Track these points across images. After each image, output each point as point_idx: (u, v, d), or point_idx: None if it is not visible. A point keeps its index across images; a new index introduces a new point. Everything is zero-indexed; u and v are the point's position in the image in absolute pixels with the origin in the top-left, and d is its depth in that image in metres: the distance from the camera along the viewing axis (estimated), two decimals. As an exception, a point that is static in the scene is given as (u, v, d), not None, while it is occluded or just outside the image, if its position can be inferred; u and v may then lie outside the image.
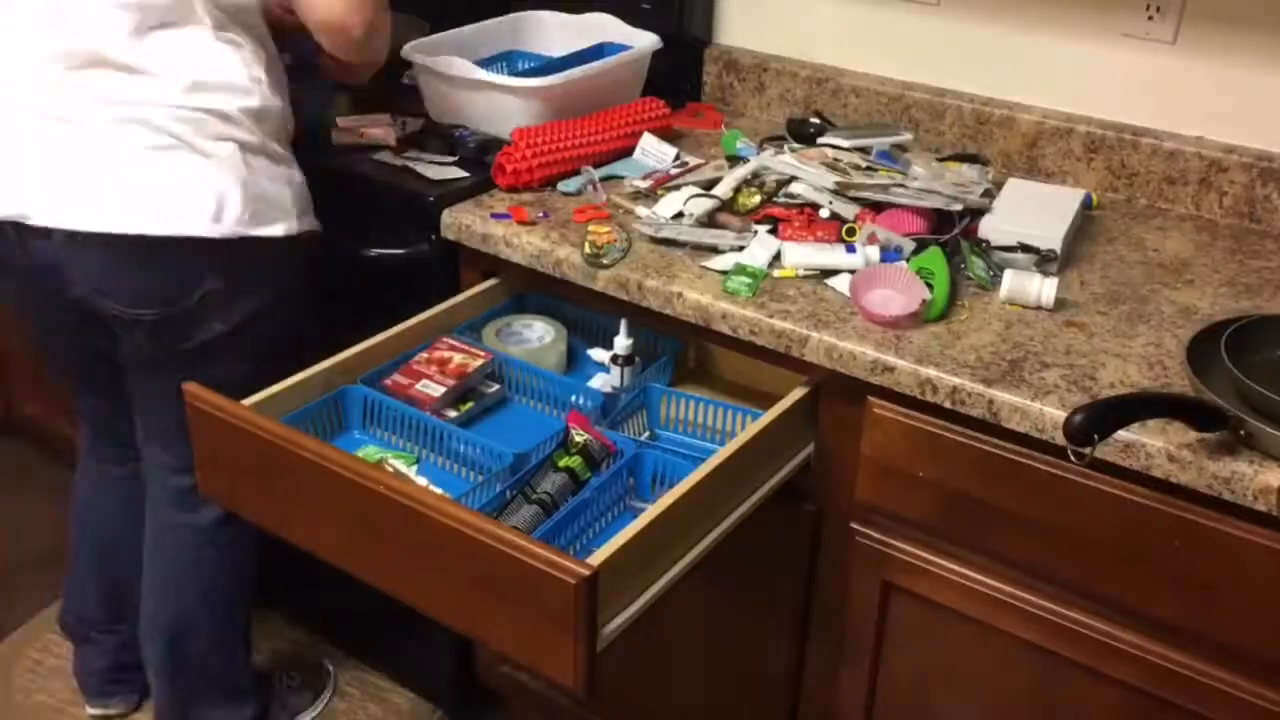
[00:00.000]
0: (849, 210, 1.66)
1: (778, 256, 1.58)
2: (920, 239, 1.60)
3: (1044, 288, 1.49)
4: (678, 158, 1.89)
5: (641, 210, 1.72)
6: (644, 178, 1.82)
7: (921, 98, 1.98)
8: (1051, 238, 1.59)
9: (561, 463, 1.39)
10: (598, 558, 1.18)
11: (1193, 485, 1.23)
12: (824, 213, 1.66)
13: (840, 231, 1.62)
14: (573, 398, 1.58)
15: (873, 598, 1.55)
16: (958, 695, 1.54)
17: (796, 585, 1.62)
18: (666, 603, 1.30)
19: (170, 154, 1.53)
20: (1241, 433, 1.21)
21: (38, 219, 1.54)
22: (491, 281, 1.75)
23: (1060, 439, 1.23)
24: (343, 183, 1.72)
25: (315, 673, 2.21)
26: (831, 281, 1.55)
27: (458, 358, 1.59)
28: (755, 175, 1.74)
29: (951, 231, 1.61)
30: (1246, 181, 1.75)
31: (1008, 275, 1.51)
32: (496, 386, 1.61)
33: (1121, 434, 1.25)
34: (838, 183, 1.67)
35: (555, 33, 2.14)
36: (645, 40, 2.00)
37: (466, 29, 2.08)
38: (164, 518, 1.84)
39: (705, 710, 1.82)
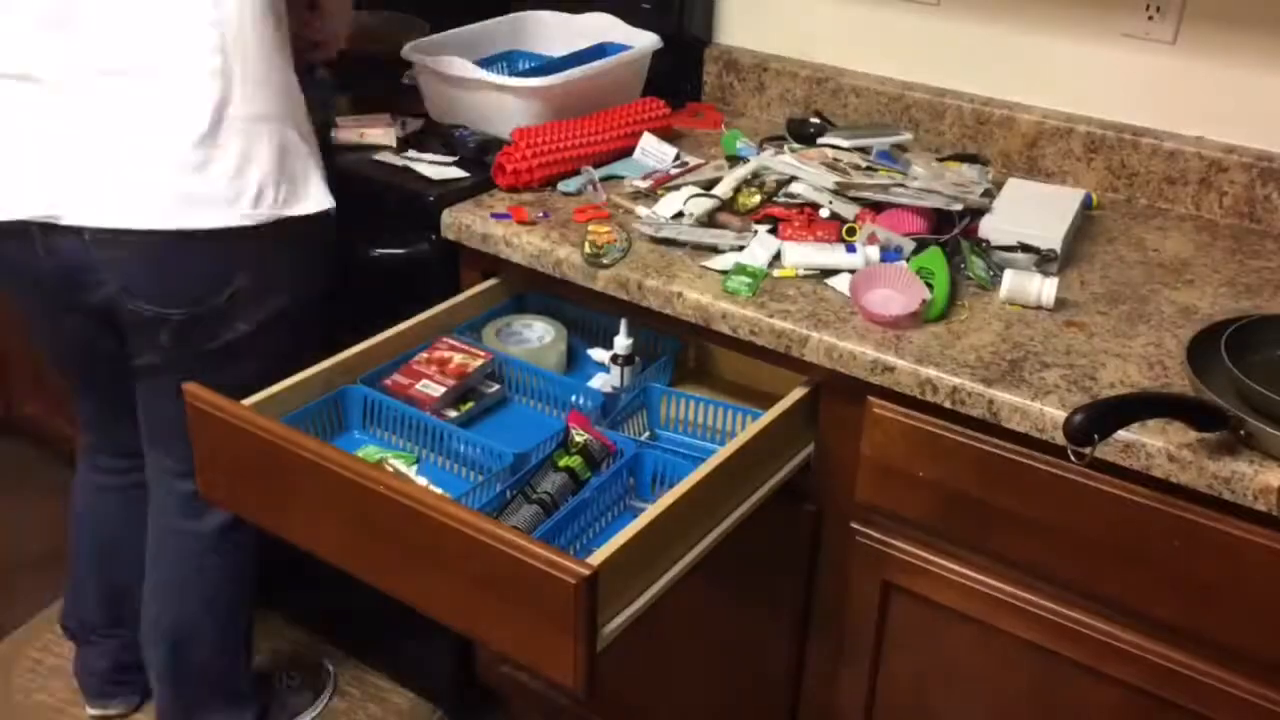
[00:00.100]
0: (849, 210, 1.66)
1: (778, 256, 1.58)
2: (920, 239, 1.60)
3: (1044, 288, 1.49)
4: (678, 158, 1.89)
5: (641, 210, 1.72)
6: (644, 178, 1.82)
7: (921, 98, 1.98)
8: (1051, 238, 1.59)
9: (561, 463, 1.39)
10: (598, 558, 1.18)
11: (1193, 485, 1.23)
12: (824, 213, 1.66)
13: (840, 231, 1.62)
14: (573, 398, 1.58)
15: (873, 598, 1.55)
16: (958, 695, 1.54)
17: (796, 585, 1.62)
18: (666, 603, 1.30)
19: (203, 147, 1.53)
20: (1241, 433, 1.21)
21: (69, 218, 1.54)
22: (491, 281, 1.75)
23: (1060, 439, 1.23)
24: (343, 183, 1.72)
25: (315, 673, 2.21)
26: (831, 281, 1.55)
27: (458, 358, 1.59)
28: (755, 175, 1.74)
29: (951, 231, 1.61)
30: (1246, 181, 1.75)
31: (1008, 275, 1.51)
32: (496, 386, 1.61)
33: (1121, 434, 1.25)
34: (838, 183, 1.67)
35: (556, 33, 2.14)
36: (645, 40, 2.00)
37: (467, 29, 2.08)
38: (167, 523, 1.84)
39: (705, 710, 1.82)
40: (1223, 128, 1.77)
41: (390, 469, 1.45)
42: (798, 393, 1.48)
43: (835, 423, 1.50)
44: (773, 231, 1.64)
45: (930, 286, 1.47)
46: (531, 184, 1.79)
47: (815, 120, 1.98)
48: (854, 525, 1.53)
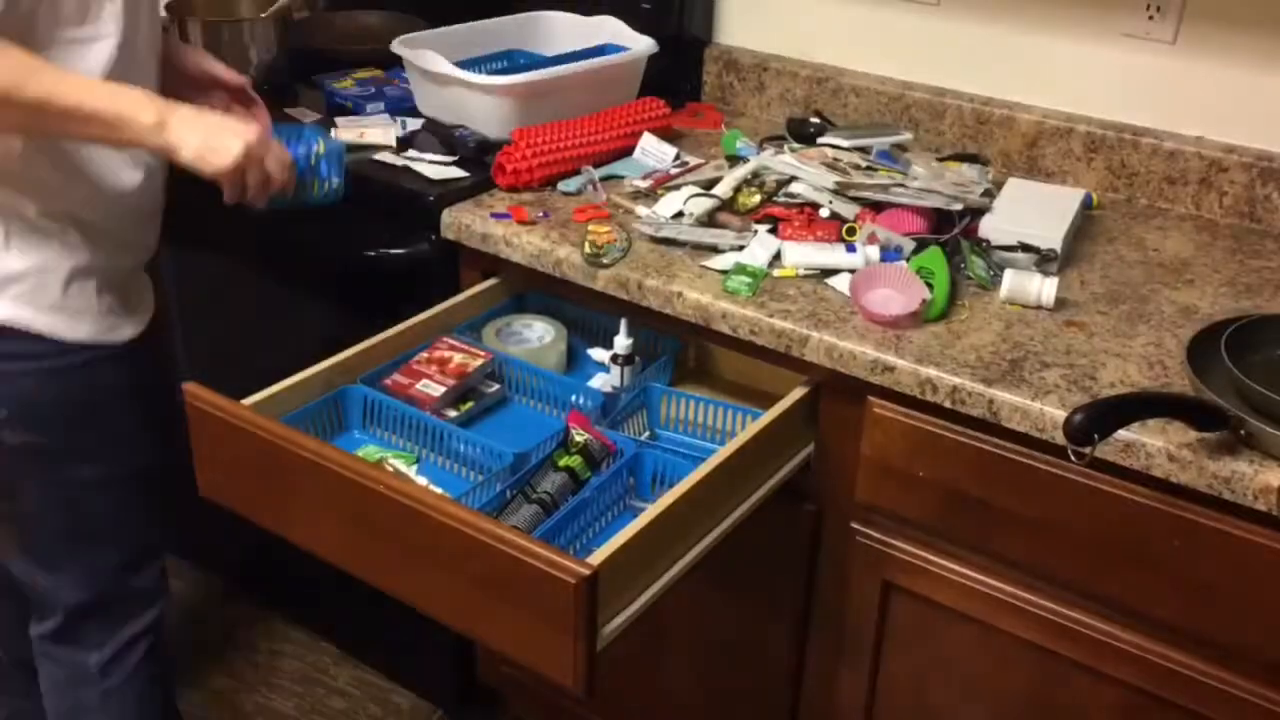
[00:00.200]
0: (849, 210, 1.66)
1: (778, 256, 1.58)
2: (920, 239, 1.60)
3: (1044, 287, 1.49)
4: (678, 157, 1.89)
5: (641, 210, 1.72)
6: (644, 177, 1.82)
7: (921, 98, 1.98)
8: (1051, 237, 1.59)
9: (561, 462, 1.39)
10: (598, 558, 1.18)
11: (1193, 485, 1.23)
12: (824, 212, 1.66)
13: (840, 231, 1.62)
14: (573, 397, 1.58)
15: (873, 598, 1.55)
16: (958, 695, 1.54)
17: (796, 585, 1.62)
18: (666, 603, 1.30)
19: None
20: (1241, 433, 1.21)
21: None
22: (491, 281, 1.75)
23: (1060, 439, 1.23)
24: (343, 182, 1.72)
25: None
26: (831, 281, 1.55)
27: (458, 358, 1.59)
28: (755, 175, 1.74)
29: (951, 231, 1.61)
30: (1246, 181, 1.75)
31: (1008, 275, 1.51)
32: (496, 386, 1.61)
33: (1121, 434, 1.25)
34: (838, 182, 1.67)
35: (563, 33, 2.14)
36: (640, 45, 2.00)
37: (475, 25, 2.09)
38: (39, 649, 1.69)
39: (705, 710, 1.82)
40: (1223, 128, 1.77)
41: (390, 469, 1.45)
42: (798, 393, 1.48)
43: (835, 423, 1.50)
44: (773, 231, 1.64)
45: (930, 286, 1.47)
46: (531, 184, 1.79)
47: (815, 120, 1.98)
48: (854, 525, 1.53)
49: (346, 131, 1.90)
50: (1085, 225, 1.74)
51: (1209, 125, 1.78)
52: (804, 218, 1.65)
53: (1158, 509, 1.27)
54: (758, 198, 1.70)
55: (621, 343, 1.60)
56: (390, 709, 2.18)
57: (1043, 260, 1.57)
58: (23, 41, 1.30)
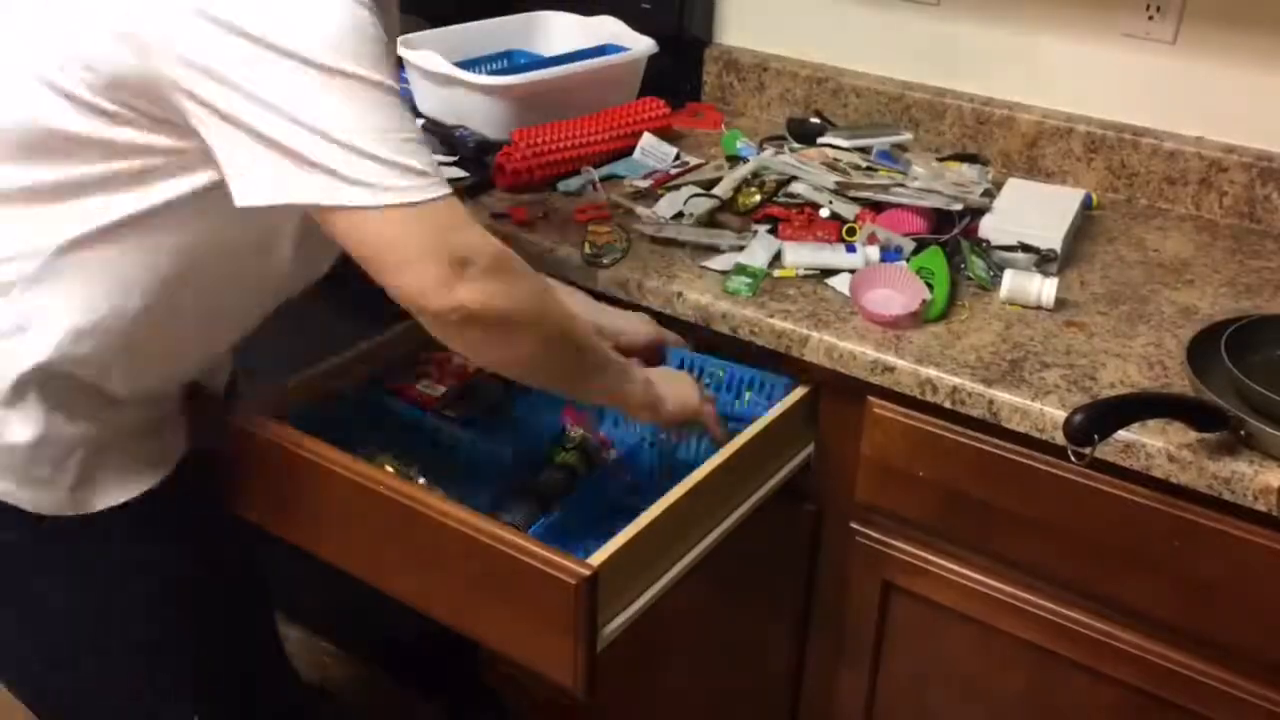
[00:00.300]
0: (849, 210, 1.66)
1: (778, 256, 1.58)
2: (920, 239, 1.60)
3: (1044, 288, 1.49)
4: (678, 157, 1.89)
5: (641, 210, 1.72)
6: (644, 177, 1.82)
7: (921, 98, 1.98)
8: (1051, 238, 1.59)
9: (558, 459, 1.39)
10: (598, 558, 1.18)
11: (1193, 485, 1.23)
12: (824, 213, 1.66)
13: (840, 231, 1.62)
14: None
15: (873, 598, 1.55)
16: (958, 695, 1.54)
17: (796, 585, 1.62)
18: (666, 603, 1.30)
19: None
20: (1241, 433, 1.21)
21: None
22: (491, 281, 1.74)
23: (1060, 439, 1.23)
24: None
25: None
26: (831, 281, 1.54)
27: (458, 358, 1.59)
28: (755, 175, 1.74)
29: (951, 231, 1.61)
30: (1246, 181, 1.75)
31: (1008, 275, 1.51)
32: (497, 386, 1.61)
33: (1121, 434, 1.25)
34: (838, 183, 1.67)
35: (565, 34, 2.14)
36: (641, 45, 2.00)
37: (475, 25, 2.09)
38: None
39: (705, 710, 1.82)
40: (1223, 128, 1.77)
41: (390, 469, 1.45)
42: (798, 393, 1.48)
43: (835, 423, 1.50)
44: (773, 231, 1.64)
45: (930, 286, 1.47)
46: (531, 184, 1.79)
47: (815, 120, 1.98)
48: (854, 525, 1.53)
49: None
50: (1085, 225, 1.74)
51: (1209, 125, 1.78)
52: (804, 218, 1.66)
53: (1158, 509, 1.27)
54: (758, 198, 1.70)
55: (621, 343, 1.60)
56: (390, 709, 2.18)
57: (1043, 260, 1.57)
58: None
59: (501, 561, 1.16)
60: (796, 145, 1.84)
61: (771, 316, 1.47)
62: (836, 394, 1.48)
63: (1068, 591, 1.39)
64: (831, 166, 1.72)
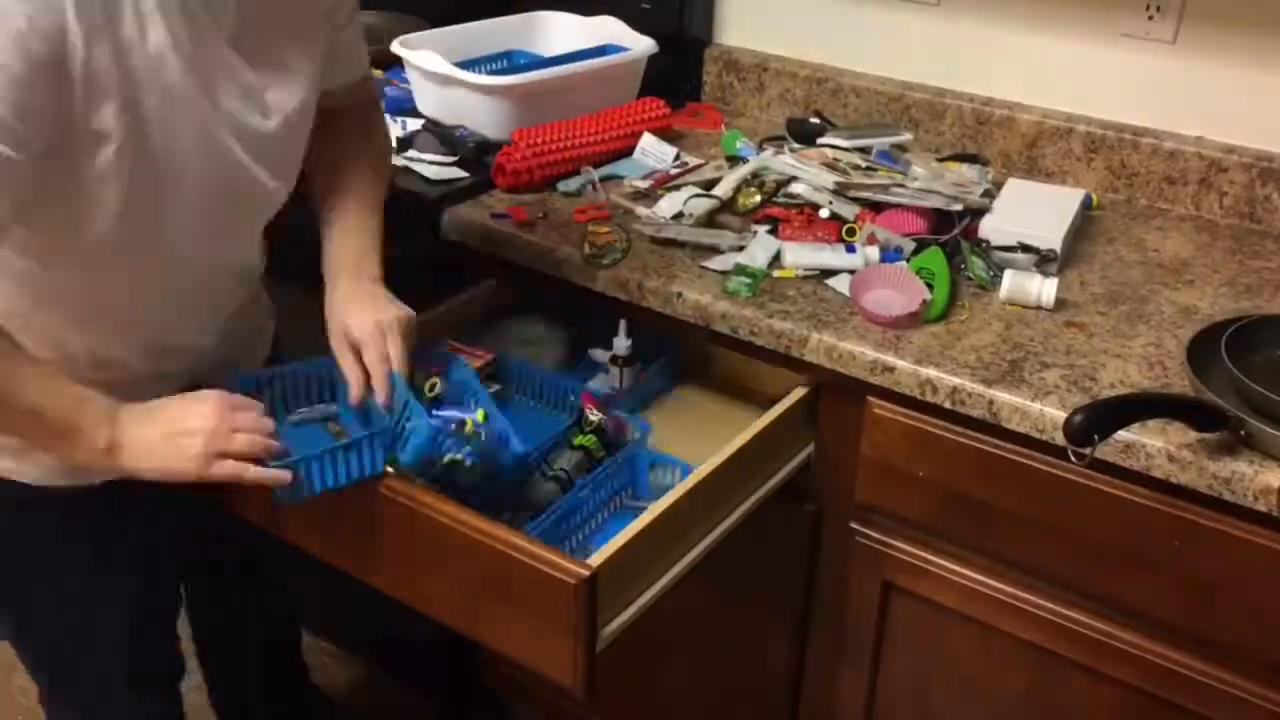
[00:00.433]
0: (849, 210, 1.66)
1: (778, 256, 1.58)
2: (920, 239, 1.60)
3: (1044, 288, 1.49)
4: (678, 158, 1.89)
5: (641, 210, 1.72)
6: (644, 178, 1.82)
7: (921, 98, 1.98)
8: (1051, 238, 1.59)
9: (577, 441, 1.42)
10: (598, 558, 1.18)
11: (1193, 485, 1.23)
12: (824, 213, 1.66)
13: (840, 231, 1.62)
14: (572, 397, 1.58)
15: (873, 598, 1.55)
16: (958, 695, 1.54)
17: (796, 585, 1.62)
18: (666, 603, 1.30)
19: None
20: (1241, 433, 1.21)
21: None
22: (491, 281, 1.75)
23: (1060, 439, 1.23)
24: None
25: None
26: (831, 281, 1.55)
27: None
28: (755, 175, 1.74)
29: (951, 231, 1.61)
30: (1246, 181, 1.75)
31: (1008, 275, 1.51)
32: (497, 387, 1.61)
33: (1121, 434, 1.25)
34: (838, 183, 1.67)
35: (564, 34, 2.14)
36: (641, 45, 2.00)
37: (475, 25, 2.09)
38: None
39: (705, 710, 1.82)
40: (1223, 128, 1.77)
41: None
42: (798, 393, 1.48)
43: (835, 423, 1.50)
44: (773, 232, 1.64)
45: (930, 287, 1.47)
46: (531, 184, 1.79)
47: (815, 120, 1.98)
48: (854, 525, 1.53)
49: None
50: (1085, 225, 1.74)
51: (1209, 125, 1.78)
52: (804, 218, 1.66)
53: (1158, 509, 1.27)
54: (758, 198, 1.70)
55: (621, 344, 1.60)
56: (390, 709, 2.18)
57: (1042, 261, 1.57)
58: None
59: (501, 562, 1.16)
60: (796, 145, 1.84)
61: (771, 317, 1.47)
62: (836, 394, 1.48)
63: (1068, 591, 1.39)
64: (831, 167, 1.72)
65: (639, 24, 2.04)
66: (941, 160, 1.86)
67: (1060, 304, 1.50)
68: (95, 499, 1.32)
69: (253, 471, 1.19)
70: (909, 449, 1.43)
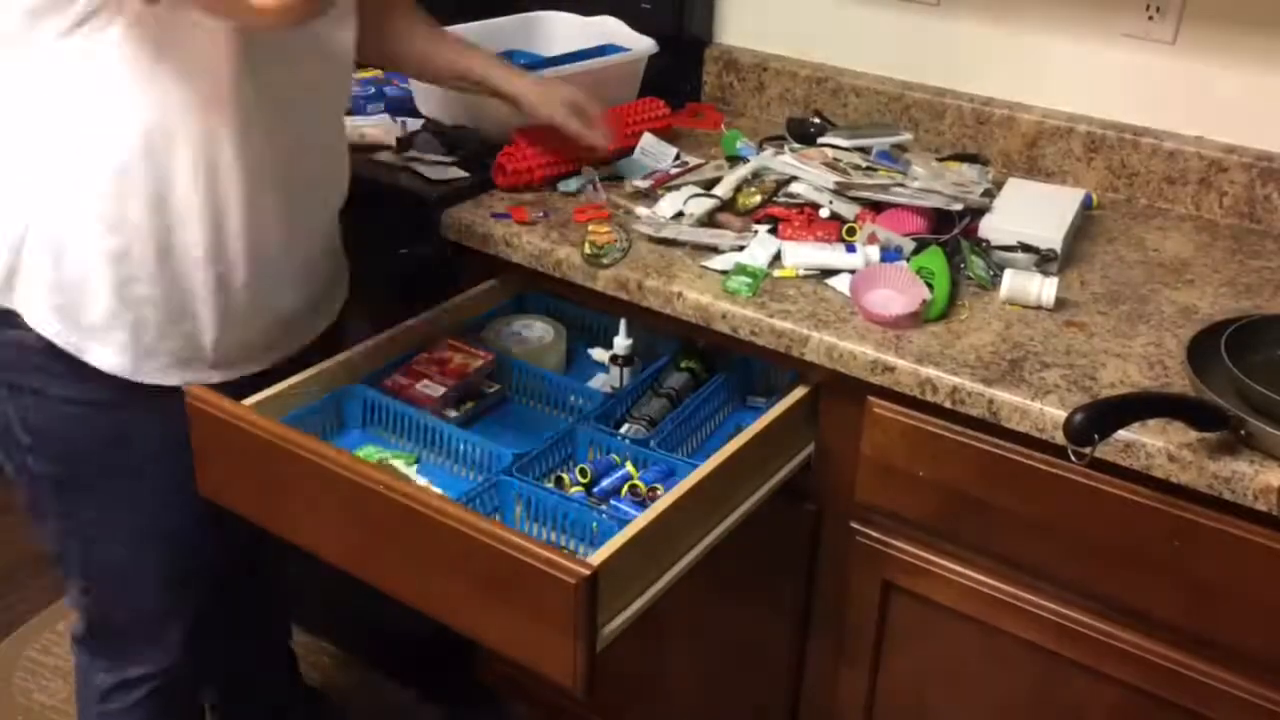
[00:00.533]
0: (849, 210, 1.66)
1: (778, 256, 1.58)
2: (920, 239, 1.60)
3: (1044, 288, 1.49)
4: (678, 158, 1.89)
5: (641, 210, 1.72)
6: (644, 178, 1.82)
7: (921, 98, 1.98)
8: (1051, 238, 1.59)
9: (683, 364, 1.58)
10: (597, 557, 1.18)
11: (1193, 485, 1.23)
12: (824, 213, 1.66)
13: (840, 231, 1.62)
14: (572, 397, 1.58)
15: (873, 598, 1.55)
16: (958, 695, 1.54)
17: (796, 585, 1.62)
18: (666, 603, 1.30)
19: None
20: (1241, 433, 1.21)
21: None
22: (491, 282, 1.75)
23: (1060, 439, 1.23)
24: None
25: None
26: (831, 281, 1.55)
27: (458, 358, 1.59)
28: (755, 175, 1.74)
29: (951, 231, 1.61)
30: (1246, 181, 1.75)
31: (1008, 275, 1.51)
32: (496, 386, 1.61)
33: (1121, 434, 1.25)
34: (838, 183, 1.67)
35: (564, 34, 2.14)
36: (641, 45, 2.00)
37: (475, 25, 2.08)
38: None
39: (705, 710, 1.82)
40: (1223, 128, 1.77)
41: (390, 469, 1.45)
42: (798, 393, 1.48)
43: (835, 423, 1.50)
44: (773, 231, 1.64)
45: (930, 286, 1.47)
46: (531, 184, 1.79)
47: (815, 120, 1.98)
48: (854, 525, 1.53)
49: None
50: (1085, 225, 1.74)
51: (1209, 125, 1.78)
52: (804, 218, 1.66)
53: (1158, 509, 1.28)
54: (758, 198, 1.70)
55: (621, 343, 1.60)
56: (390, 709, 2.18)
57: (1043, 260, 1.57)
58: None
59: (501, 561, 1.16)
60: (796, 145, 1.84)
61: (771, 316, 1.47)
62: (837, 394, 1.48)
63: (1068, 591, 1.39)
64: (831, 166, 1.72)
65: (639, 24, 2.04)
66: (941, 160, 1.86)
67: (1060, 304, 1.50)
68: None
69: None
70: (909, 449, 1.43)
